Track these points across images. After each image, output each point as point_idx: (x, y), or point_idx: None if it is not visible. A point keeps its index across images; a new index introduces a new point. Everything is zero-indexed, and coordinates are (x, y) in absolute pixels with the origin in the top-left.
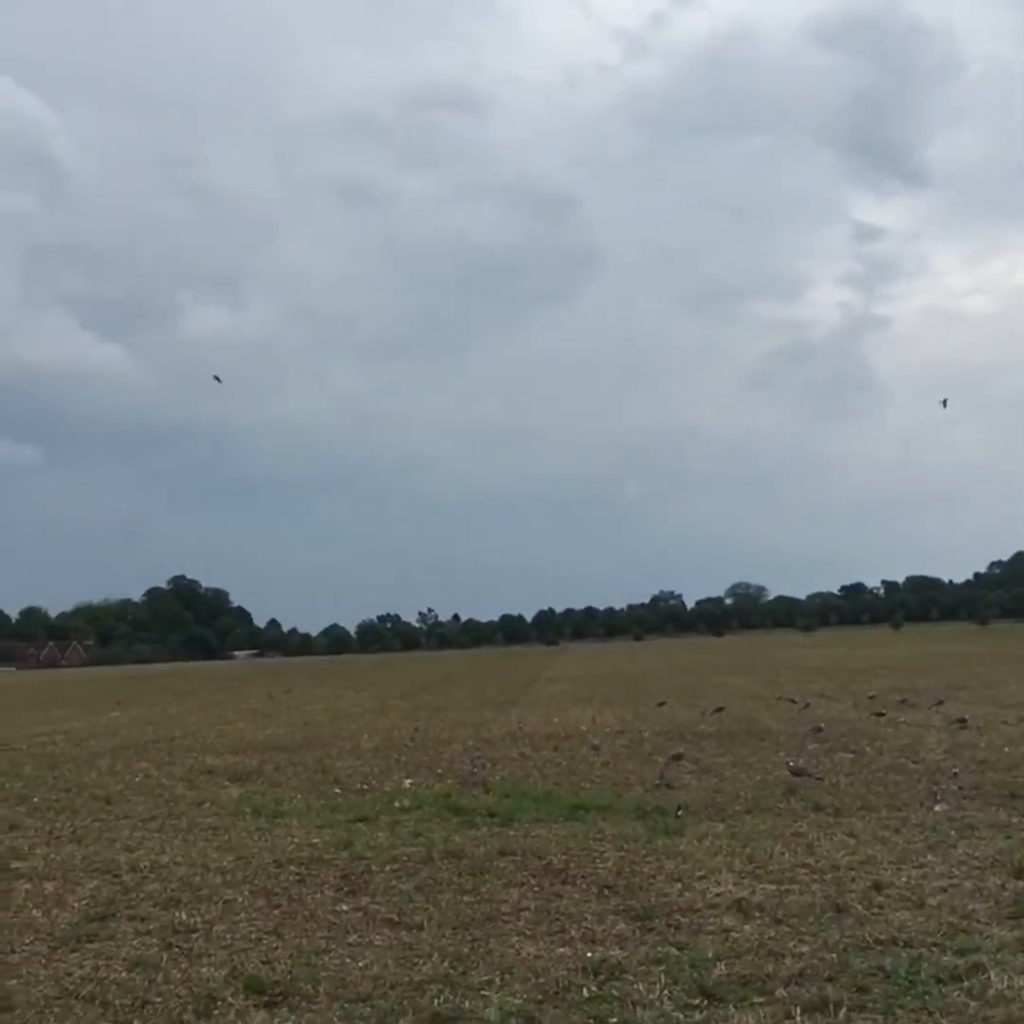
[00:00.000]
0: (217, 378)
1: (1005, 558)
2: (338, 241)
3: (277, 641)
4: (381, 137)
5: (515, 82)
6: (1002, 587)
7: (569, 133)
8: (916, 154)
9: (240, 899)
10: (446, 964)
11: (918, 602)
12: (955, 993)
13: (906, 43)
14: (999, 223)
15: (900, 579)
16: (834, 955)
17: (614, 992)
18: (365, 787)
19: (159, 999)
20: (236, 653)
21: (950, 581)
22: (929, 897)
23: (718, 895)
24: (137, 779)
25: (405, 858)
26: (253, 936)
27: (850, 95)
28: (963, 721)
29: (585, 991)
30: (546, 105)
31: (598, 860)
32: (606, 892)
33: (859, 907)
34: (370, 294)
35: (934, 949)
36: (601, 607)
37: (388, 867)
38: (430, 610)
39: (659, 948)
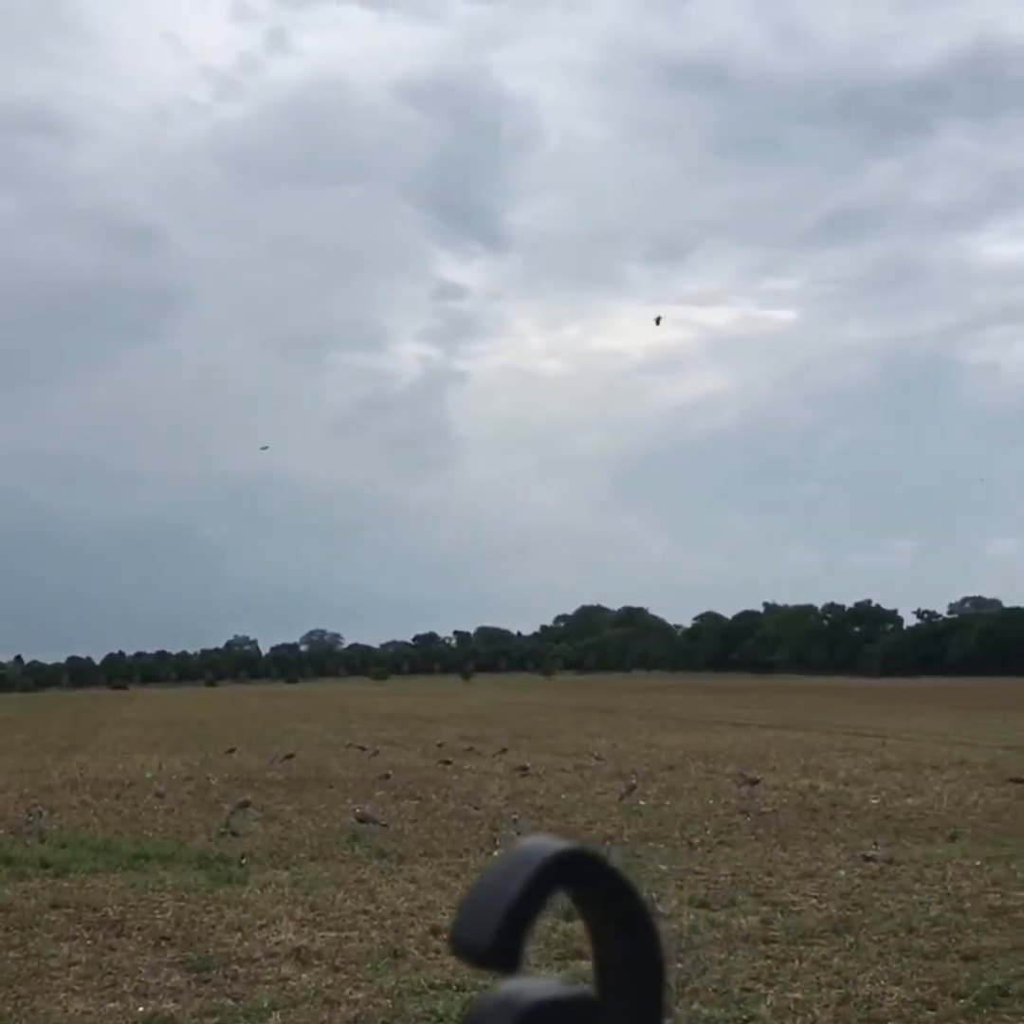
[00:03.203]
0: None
1: (570, 612)
2: None
3: None
4: None
5: (105, 111)
6: (566, 640)
7: (158, 167)
8: (499, 218)
9: None
10: None
11: (488, 653)
12: None
13: (492, 111)
14: (575, 289)
15: (471, 630)
16: (389, 1001)
17: None
18: None
19: None
20: None
21: (519, 633)
22: None
23: (278, 944)
24: None
25: None
26: None
27: (437, 155)
28: (525, 768)
29: None
30: (136, 137)
31: (157, 911)
32: (163, 944)
33: (416, 952)
34: None
35: (485, 990)
36: (173, 651)
37: None
38: None
39: (214, 1000)
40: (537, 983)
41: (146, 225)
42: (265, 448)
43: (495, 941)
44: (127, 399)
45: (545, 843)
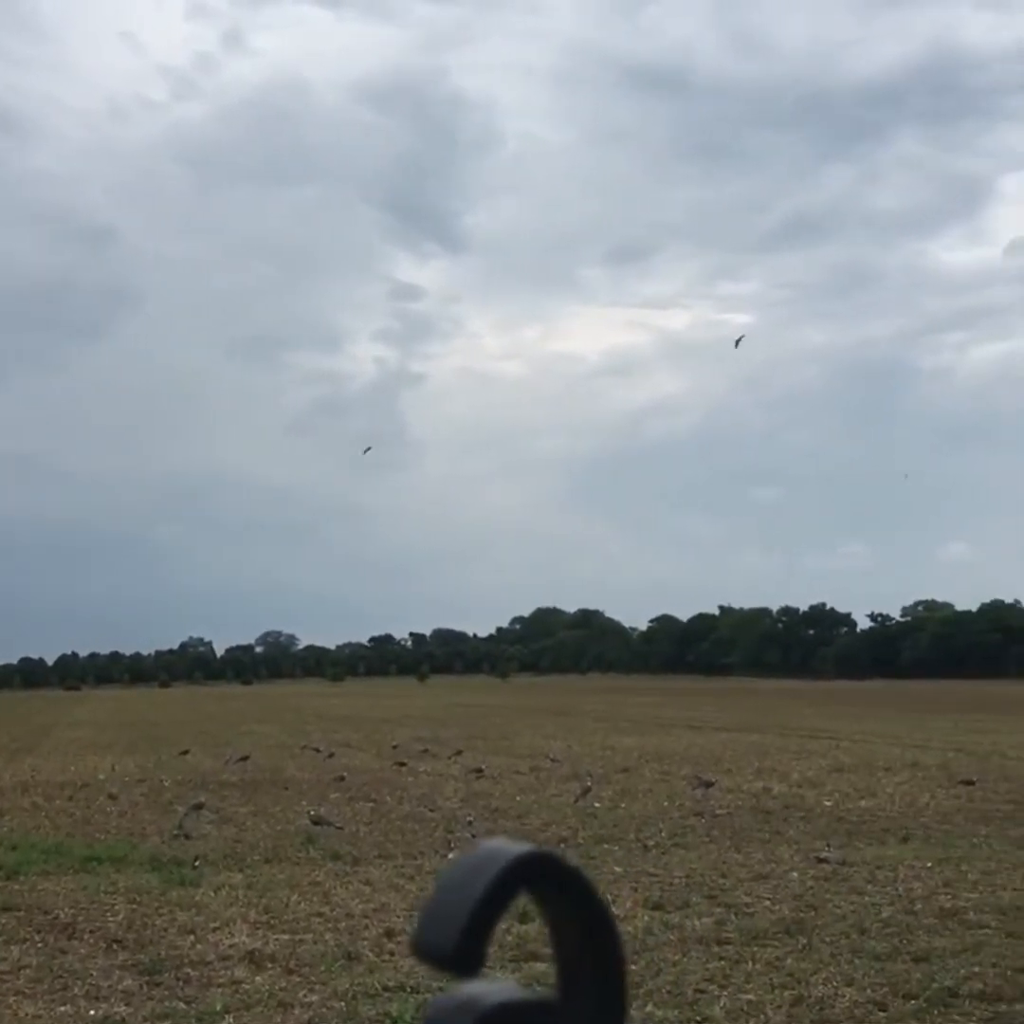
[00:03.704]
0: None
1: (526, 614)
2: None
3: None
4: None
5: (60, 109)
6: (522, 642)
7: (113, 166)
8: (456, 220)
9: None
10: None
11: (444, 654)
12: None
13: (450, 113)
14: (532, 292)
15: (428, 631)
16: (343, 1003)
17: None
18: None
19: None
20: None
21: (474, 635)
22: None
23: (231, 946)
24: None
25: None
26: None
27: (395, 157)
28: (480, 771)
29: None
30: (90, 135)
31: (109, 913)
32: (115, 947)
33: (370, 955)
34: None
35: (439, 993)
36: (127, 652)
37: None
38: None
39: (166, 1003)
40: (497, 986)
41: (101, 224)
42: (368, 449)
43: (458, 944)
44: (80, 399)
45: (506, 845)
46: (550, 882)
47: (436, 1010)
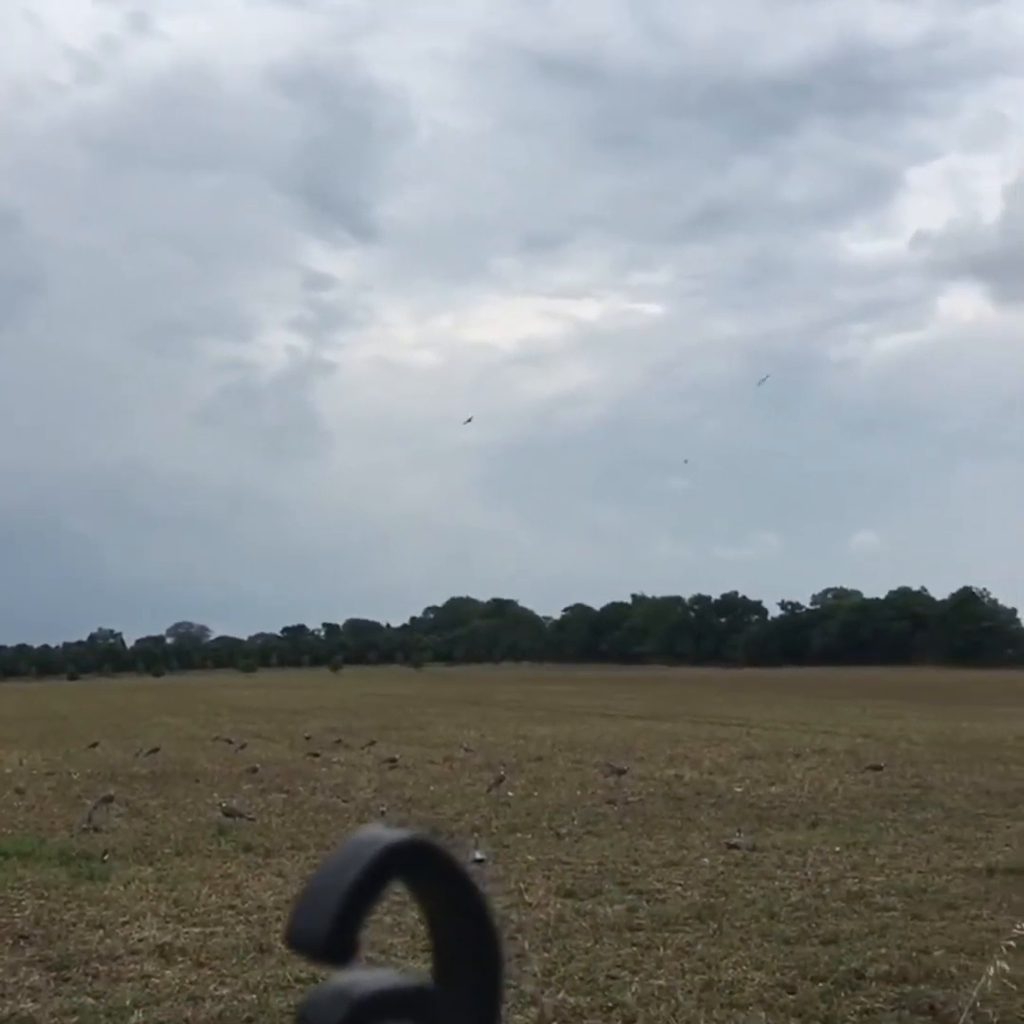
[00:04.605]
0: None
1: (439, 604)
2: None
3: None
4: None
5: None
6: (435, 632)
7: (15, 150)
8: (369, 209)
9: None
10: None
11: (357, 645)
12: None
13: (361, 102)
14: (446, 281)
15: (341, 621)
16: (255, 996)
17: None
18: None
19: None
20: None
21: (388, 625)
22: None
23: (141, 940)
24: None
25: None
26: None
27: (305, 145)
28: (393, 760)
29: None
30: None
31: (15, 909)
32: (22, 943)
33: (282, 947)
34: None
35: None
36: (35, 644)
37: None
38: None
39: (74, 998)
40: (372, 974)
41: (2, 209)
42: (469, 420)
43: (329, 935)
44: None
45: (380, 833)
46: (424, 869)
47: (311, 1000)
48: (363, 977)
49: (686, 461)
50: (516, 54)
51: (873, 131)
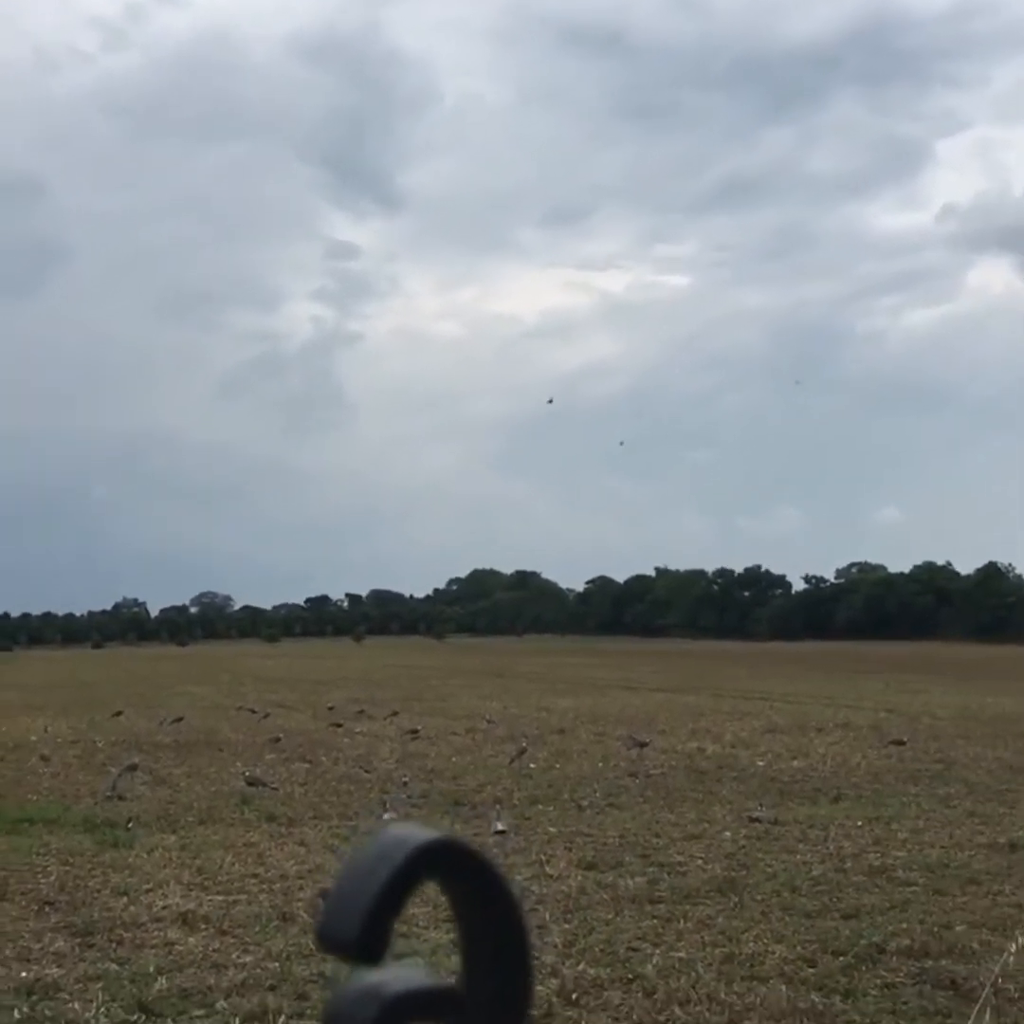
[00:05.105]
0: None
1: (462, 575)
2: None
3: None
4: None
5: None
6: (458, 603)
7: (41, 118)
8: (393, 178)
9: None
10: None
11: (380, 616)
12: None
13: (385, 70)
14: (470, 252)
15: (364, 592)
16: (277, 964)
17: (47, 1012)
18: None
19: None
20: None
21: (411, 596)
22: None
23: (164, 908)
24: None
25: None
26: None
27: (329, 113)
28: (415, 732)
29: (16, 1012)
30: (17, 86)
31: (40, 875)
32: (47, 909)
33: (305, 915)
34: None
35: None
36: (60, 612)
37: None
38: None
39: (99, 964)
40: (402, 974)
41: (27, 177)
42: (551, 401)
43: (360, 934)
44: (9, 358)
45: (413, 832)
46: (456, 870)
47: (340, 999)
48: (393, 977)
49: (621, 443)
50: (542, 23)
51: (901, 102)
